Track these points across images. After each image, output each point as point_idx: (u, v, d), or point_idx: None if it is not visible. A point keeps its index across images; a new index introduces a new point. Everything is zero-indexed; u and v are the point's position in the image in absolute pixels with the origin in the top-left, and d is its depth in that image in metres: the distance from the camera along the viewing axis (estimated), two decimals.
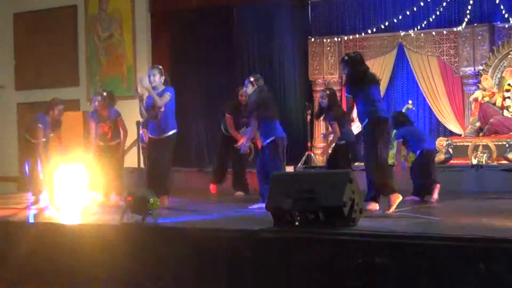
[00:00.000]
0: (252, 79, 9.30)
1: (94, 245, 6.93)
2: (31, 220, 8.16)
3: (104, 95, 10.24)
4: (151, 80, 9.06)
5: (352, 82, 8.30)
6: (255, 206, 8.69)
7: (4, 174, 16.53)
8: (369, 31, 14.76)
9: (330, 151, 11.15)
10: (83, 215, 8.55)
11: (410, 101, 14.04)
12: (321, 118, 11.21)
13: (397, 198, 7.84)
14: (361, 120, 8.25)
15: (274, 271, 5.98)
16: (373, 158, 8.00)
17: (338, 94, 14.98)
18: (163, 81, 9.18)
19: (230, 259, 6.17)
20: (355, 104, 8.28)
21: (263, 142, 9.13)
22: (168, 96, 9.03)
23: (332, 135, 10.78)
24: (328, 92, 10.71)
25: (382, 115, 8.16)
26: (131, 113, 11.51)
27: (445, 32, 14.11)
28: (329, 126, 10.96)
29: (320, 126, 14.83)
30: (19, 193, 12.43)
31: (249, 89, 9.27)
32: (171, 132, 9.17)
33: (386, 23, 14.60)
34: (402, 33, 14.41)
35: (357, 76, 8.25)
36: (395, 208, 7.76)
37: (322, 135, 13.19)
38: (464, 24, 13.82)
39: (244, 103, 10.27)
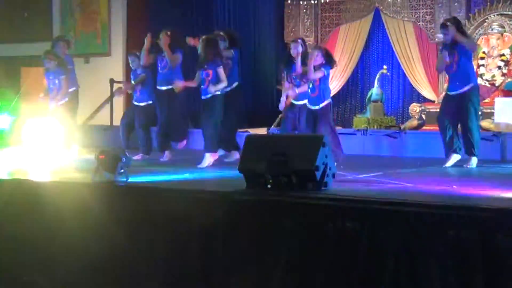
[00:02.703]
0: None
1: (66, 203, 6.90)
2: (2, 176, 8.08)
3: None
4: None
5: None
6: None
7: None
8: None
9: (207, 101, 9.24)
10: (55, 172, 8.50)
11: (384, 66, 14.12)
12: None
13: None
14: (466, 81, 9.01)
15: (246, 233, 6.00)
16: (477, 118, 9.17)
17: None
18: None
19: (202, 220, 6.17)
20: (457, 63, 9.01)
21: None
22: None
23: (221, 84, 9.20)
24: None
25: None
26: (105, 70, 11.45)
27: None
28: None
29: None
30: None
31: None
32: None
33: None
34: None
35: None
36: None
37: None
38: None
39: None
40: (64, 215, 6.80)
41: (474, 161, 9.09)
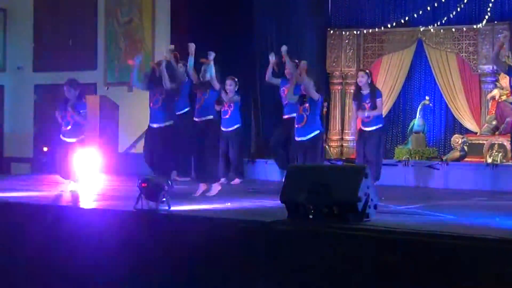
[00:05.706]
0: None
1: (108, 230, 6.97)
2: (48, 203, 8.18)
3: None
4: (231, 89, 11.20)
5: None
6: None
7: (19, 155, 16.61)
8: (389, 25, 14.72)
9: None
10: (98, 199, 8.58)
11: (427, 97, 14.04)
12: None
13: None
14: None
15: (286, 263, 6.00)
16: None
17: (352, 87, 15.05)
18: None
19: (242, 250, 6.19)
20: None
21: None
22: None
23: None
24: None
25: None
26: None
27: (464, 29, 14.07)
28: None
29: (336, 119, 14.83)
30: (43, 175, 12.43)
31: None
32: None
33: (406, 18, 14.57)
34: (422, 29, 14.38)
35: None
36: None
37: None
38: (484, 22, 13.77)
39: None
40: (106, 242, 6.86)
41: None
